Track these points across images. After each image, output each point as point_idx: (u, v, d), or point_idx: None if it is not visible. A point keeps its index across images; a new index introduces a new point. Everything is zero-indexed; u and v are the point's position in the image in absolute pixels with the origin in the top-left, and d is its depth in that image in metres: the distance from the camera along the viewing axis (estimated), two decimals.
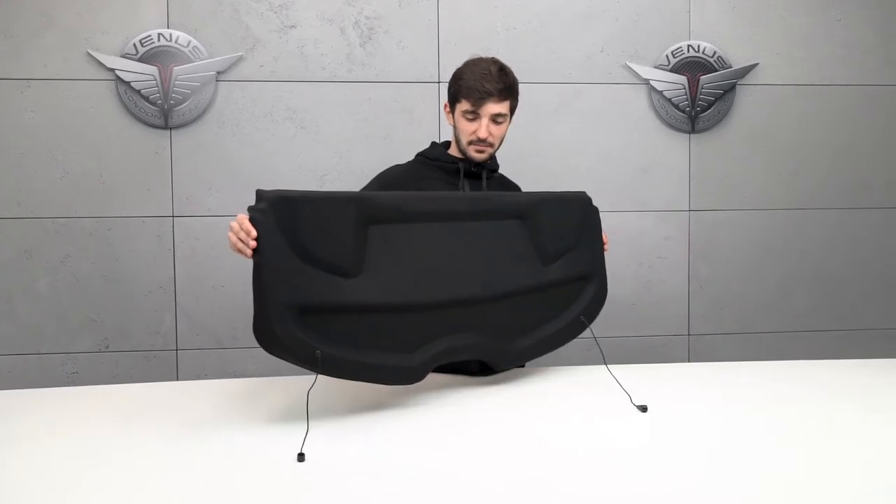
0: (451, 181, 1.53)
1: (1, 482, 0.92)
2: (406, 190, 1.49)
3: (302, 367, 1.14)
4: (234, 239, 1.13)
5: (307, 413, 1.14)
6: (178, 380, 2.15)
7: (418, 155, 1.60)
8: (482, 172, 1.53)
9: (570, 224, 1.42)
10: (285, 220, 1.14)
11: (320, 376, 1.15)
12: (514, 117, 1.54)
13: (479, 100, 1.43)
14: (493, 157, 1.58)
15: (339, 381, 1.31)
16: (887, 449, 1.04)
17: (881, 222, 2.41)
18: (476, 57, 1.51)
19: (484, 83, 1.42)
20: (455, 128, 1.52)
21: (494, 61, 1.48)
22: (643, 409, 1.19)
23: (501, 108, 1.46)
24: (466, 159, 1.53)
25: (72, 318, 2.15)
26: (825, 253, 2.41)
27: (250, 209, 1.14)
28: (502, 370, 1.41)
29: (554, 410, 1.23)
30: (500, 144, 1.54)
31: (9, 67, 2.08)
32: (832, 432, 1.11)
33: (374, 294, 1.20)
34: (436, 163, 1.55)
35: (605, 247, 1.48)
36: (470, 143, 1.49)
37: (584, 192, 1.47)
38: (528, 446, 1.05)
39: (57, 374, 2.14)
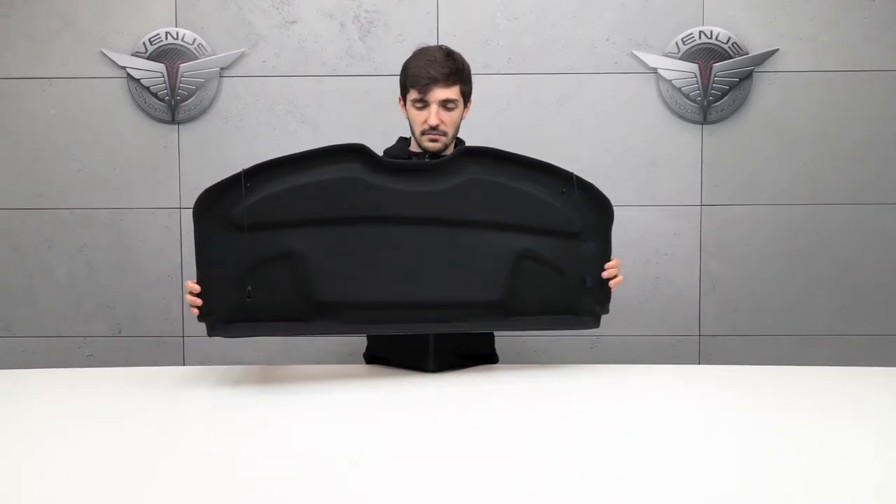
0: None
1: (22, 452, 1.06)
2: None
3: None
4: None
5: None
6: (184, 364, 2.42)
7: (385, 150, 1.67)
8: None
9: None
10: None
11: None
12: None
13: (425, 86, 1.49)
14: (457, 147, 1.63)
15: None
16: None
17: None
18: (424, 46, 1.58)
19: (429, 69, 1.49)
20: (408, 119, 1.59)
21: (441, 48, 1.54)
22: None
23: (450, 93, 1.51)
24: (421, 153, 1.59)
25: (88, 303, 2.39)
26: (852, 251, 2.34)
27: None
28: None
29: (543, 408, 1.28)
30: (455, 132, 1.58)
31: (31, 68, 2.31)
32: (853, 448, 1.04)
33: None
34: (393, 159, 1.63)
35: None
36: (423, 132, 1.54)
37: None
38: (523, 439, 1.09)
39: (75, 356, 2.39)
